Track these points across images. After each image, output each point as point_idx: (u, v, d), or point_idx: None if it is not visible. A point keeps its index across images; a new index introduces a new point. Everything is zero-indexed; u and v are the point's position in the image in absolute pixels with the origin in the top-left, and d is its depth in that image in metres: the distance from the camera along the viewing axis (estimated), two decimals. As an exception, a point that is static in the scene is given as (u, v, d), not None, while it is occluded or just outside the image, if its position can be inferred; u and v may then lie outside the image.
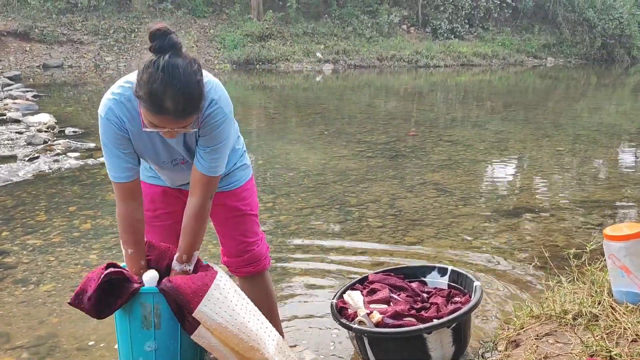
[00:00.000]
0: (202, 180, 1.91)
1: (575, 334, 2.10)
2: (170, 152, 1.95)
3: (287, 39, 20.56)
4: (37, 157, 6.07)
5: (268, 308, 2.29)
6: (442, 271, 2.60)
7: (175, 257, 1.97)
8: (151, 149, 1.92)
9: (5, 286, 3.17)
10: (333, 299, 2.41)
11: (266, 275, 2.35)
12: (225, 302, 1.85)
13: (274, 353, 1.91)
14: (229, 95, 1.91)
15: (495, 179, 5.68)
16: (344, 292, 2.44)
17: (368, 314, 2.21)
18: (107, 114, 1.80)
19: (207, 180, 1.91)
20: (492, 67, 21.31)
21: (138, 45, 18.93)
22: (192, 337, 1.82)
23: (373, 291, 2.45)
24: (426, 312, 2.28)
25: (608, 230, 2.21)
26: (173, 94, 1.60)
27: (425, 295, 2.48)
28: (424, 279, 2.62)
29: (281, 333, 2.32)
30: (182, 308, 1.80)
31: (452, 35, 23.30)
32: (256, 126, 8.68)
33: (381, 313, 2.22)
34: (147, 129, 1.72)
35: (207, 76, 1.82)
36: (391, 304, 2.35)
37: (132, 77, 1.78)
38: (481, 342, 2.50)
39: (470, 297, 2.35)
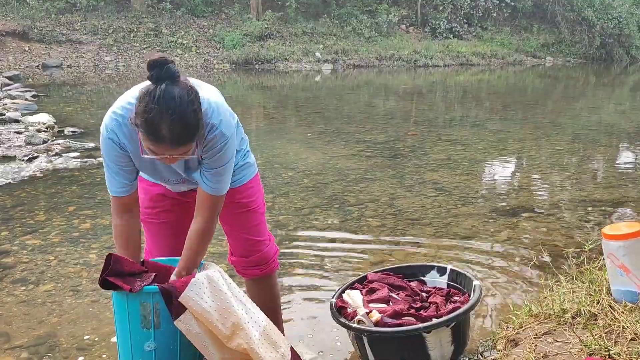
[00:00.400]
0: (209, 200, 1.94)
1: (574, 333, 2.10)
2: (171, 172, 1.98)
3: (286, 38, 20.56)
4: (37, 157, 6.07)
5: (273, 311, 2.30)
6: (441, 270, 2.60)
7: (174, 272, 1.97)
8: (151, 168, 1.95)
9: (4, 286, 3.17)
10: (332, 298, 2.41)
11: (273, 279, 2.35)
12: (210, 287, 1.85)
13: (258, 340, 1.91)
14: (230, 95, 1.92)
15: (494, 179, 5.69)
16: (343, 291, 2.45)
17: (367, 313, 2.22)
18: (109, 133, 1.83)
19: (213, 201, 1.95)
20: (491, 67, 21.31)
21: (137, 45, 18.92)
22: (175, 322, 1.82)
23: (372, 290, 2.45)
24: (425, 312, 2.28)
25: (607, 230, 2.21)
26: (168, 123, 1.62)
27: (424, 294, 2.48)
28: (423, 278, 2.63)
29: (283, 334, 2.33)
30: (171, 295, 1.81)
31: (451, 35, 23.30)
32: (255, 126, 8.68)
33: (380, 312, 2.22)
34: (146, 156, 1.74)
35: (208, 97, 1.82)
36: (390, 303, 2.35)
37: (135, 94, 1.78)
38: (480, 341, 2.51)
39: (469, 296, 2.35)
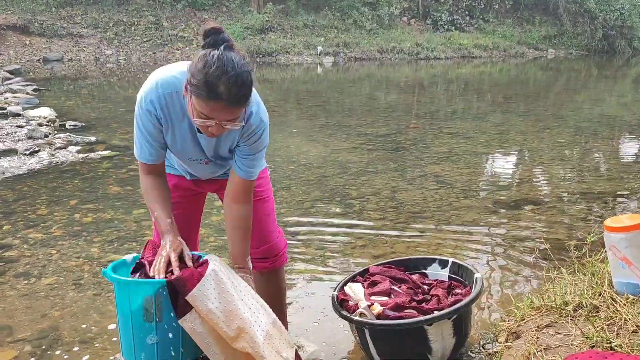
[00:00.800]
0: (244, 185, 2.01)
1: (576, 325, 2.10)
2: (199, 152, 1.98)
3: (287, 31, 20.52)
4: (38, 151, 6.08)
5: (278, 305, 2.30)
6: (443, 263, 2.60)
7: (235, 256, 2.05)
8: (182, 144, 1.95)
9: (7, 280, 3.18)
10: (334, 291, 2.41)
11: (281, 273, 2.36)
12: (217, 289, 1.85)
13: (263, 343, 1.91)
14: None
15: (495, 171, 5.68)
16: (344, 284, 2.45)
17: (369, 306, 2.22)
18: (148, 105, 1.84)
19: (248, 185, 2.02)
20: (493, 59, 21.25)
21: (138, 38, 18.89)
22: (179, 321, 1.82)
23: (374, 283, 2.45)
24: (427, 304, 2.28)
25: (608, 222, 2.21)
26: (227, 80, 1.64)
27: (426, 287, 2.48)
28: (425, 271, 2.63)
29: (286, 328, 2.33)
30: (178, 293, 1.81)
31: (453, 27, 23.24)
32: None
33: (382, 305, 2.22)
34: (196, 120, 1.73)
35: None
36: (392, 296, 2.35)
37: (179, 69, 1.82)
38: (482, 333, 2.51)
39: (471, 289, 2.35)
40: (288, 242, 3.68)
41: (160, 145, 1.93)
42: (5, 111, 8.30)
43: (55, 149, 6.21)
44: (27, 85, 11.44)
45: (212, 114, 1.69)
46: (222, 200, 2.32)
